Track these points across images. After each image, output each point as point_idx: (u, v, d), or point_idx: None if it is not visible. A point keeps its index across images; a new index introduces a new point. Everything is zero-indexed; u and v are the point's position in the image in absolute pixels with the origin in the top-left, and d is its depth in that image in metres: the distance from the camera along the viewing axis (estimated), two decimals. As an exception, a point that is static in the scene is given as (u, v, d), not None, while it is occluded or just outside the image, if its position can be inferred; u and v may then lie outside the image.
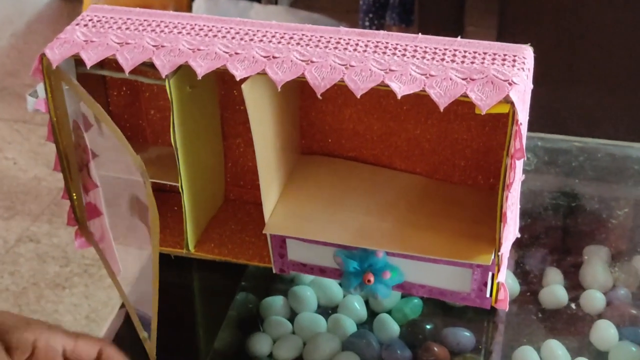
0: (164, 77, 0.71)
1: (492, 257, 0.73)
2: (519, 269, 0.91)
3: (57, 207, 2.20)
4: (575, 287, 0.89)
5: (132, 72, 0.72)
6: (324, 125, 0.87)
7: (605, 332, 0.83)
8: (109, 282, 1.96)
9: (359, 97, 0.66)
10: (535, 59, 0.73)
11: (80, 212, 0.83)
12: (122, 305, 0.86)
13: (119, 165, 0.74)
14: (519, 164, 0.70)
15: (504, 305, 0.78)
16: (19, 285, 1.97)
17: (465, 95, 0.65)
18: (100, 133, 0.75)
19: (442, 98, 0.65)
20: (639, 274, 0.90)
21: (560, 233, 0.97)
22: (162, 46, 0.72)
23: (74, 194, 0.82)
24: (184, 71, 0.73)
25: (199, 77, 0.70)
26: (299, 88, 0.83)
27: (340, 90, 0.67)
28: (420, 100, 0.67)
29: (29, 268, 2.02)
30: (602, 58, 1.60)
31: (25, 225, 2.15)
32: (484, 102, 0.64)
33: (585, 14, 1.57)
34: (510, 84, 0.65)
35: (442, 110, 0.64)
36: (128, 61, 0.72)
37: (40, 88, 0.77)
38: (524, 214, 0.89)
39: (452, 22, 1.79)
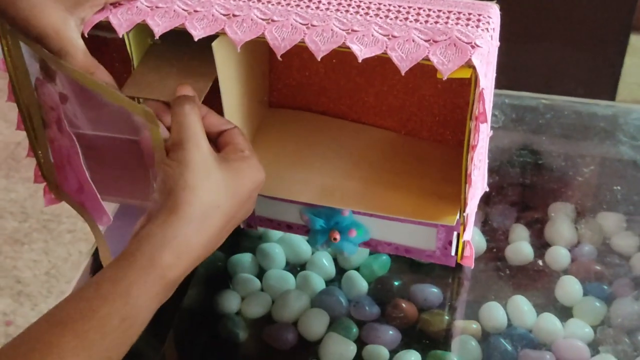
0: (120, 36, 0.73)
1: (457, 217, 0.77)
2: (486, 226, 0.96)
3: (15, 161, 2.20)
4: (541, 243, 0.94)
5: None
6: (291, 80, 0.90)
7: (570, 288, 0.88)
8: (68, 237, 1.98)
9: (319, 59, 0.68)
10: (501, 15, 0.74)
11: (47, 169, 0.85)
12: (94, 260, 0.90)
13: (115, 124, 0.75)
14: (484, 125, 0.73)
15: (469, 262, 0.82)
16: (-25, 242, 1.99)
17: (427, 59, 0.66)
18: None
19: (403, 62, 0.67)
20: (604, 230, 0.95)
21: (526, 190, 1.01)
22: (120, 4, 0.73)
23: (40, 152, 0.84)
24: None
25: (156, 37, 0.71)
26: (266, 42, 0.86)
27: (306, 45, 0.69)
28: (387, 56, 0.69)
29: (-14, 224, 2.04)
30: (568, 14, 1.62)
31: (-19, 180, 2.16)
32: (446, 66, 0.65)
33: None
34: (473, 46, 0.66)
35: (403, 74, 0.67)
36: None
37: None
38: (490, 171, 0.92)
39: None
